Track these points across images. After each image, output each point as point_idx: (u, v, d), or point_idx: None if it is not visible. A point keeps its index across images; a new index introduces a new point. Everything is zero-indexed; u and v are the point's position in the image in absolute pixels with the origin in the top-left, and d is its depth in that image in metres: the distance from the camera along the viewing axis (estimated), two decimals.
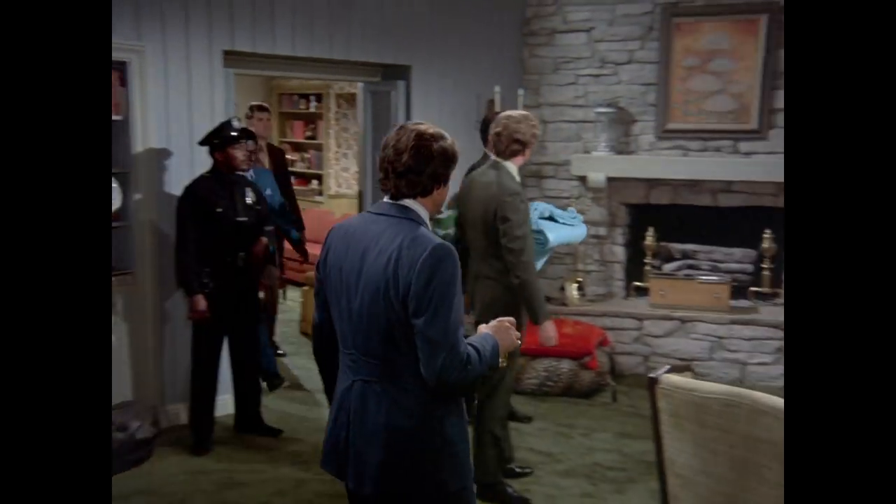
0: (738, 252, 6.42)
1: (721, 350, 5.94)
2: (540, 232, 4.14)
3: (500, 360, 2.33)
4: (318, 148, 9.94)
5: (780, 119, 6.01)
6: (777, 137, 6.03)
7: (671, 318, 6.02)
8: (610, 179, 6.23)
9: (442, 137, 2.26)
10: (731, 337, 5.91)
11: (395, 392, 2.22)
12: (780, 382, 5.84)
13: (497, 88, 6.06)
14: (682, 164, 6.15)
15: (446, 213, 5.93)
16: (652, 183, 6.30)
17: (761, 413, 2.27)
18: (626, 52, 6.27)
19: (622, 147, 6.34)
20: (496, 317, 2.46)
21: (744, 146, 6.13)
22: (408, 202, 2.25)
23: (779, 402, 2.27)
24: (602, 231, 6.44)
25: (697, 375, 2.90)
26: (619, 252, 6.50)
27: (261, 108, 6.18)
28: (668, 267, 6.46)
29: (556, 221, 4.35)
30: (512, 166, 3.90)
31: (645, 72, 6.24)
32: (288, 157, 10.64)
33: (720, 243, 6.43)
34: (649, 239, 6.34)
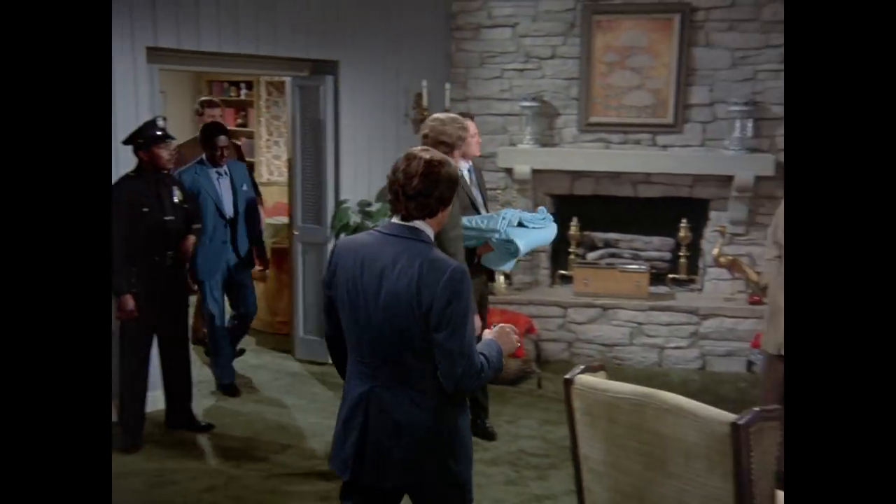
0: (656, 240, 6.68)
1: (641, 335, 6.19)
2: (510, 241, 4.23)
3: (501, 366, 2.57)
4: (250, 136, 9.87)
5: (694, 114, 6.28)
6: (691, 131, 6.30)
7: (594, 306, 6.25)
8: (535, 171, 6.40)
9: (448, 164, 2.47)
10: (650, 323, 6.18)
11: (412, 395, 2.46)
12: (695, 365, 6.14)
13: (424, 83, 6.16)
14: (604, 157, 6.36)
15: (376, 206, 6.04)
16: (575, 175, 6.50)
17: (666, 412, 2.45)
18: (549, 48, 6.43)
19: (546, 139, 6.51)
20: None
21: (661, 139, 6.37)
22: (417, 223, 2.46)
23: (683, 401, 2.46)
24: None
25: (610, 374, 3.07)
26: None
27: (211, 104, 6.22)
28: (591, 255, 6.68)
29: (525, 227, 4.41)
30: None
31: (567, 67, 6.41)
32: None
33: (640, 232, 6.69)
34: (573, 228, 6.54)
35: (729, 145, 6.17)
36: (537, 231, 4.48)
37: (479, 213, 4.50)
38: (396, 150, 6.26)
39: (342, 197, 5.94)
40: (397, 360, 2.44)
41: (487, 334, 2.60)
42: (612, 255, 6.68)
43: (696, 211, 6.48)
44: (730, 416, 2.34)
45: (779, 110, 6.15)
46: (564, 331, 6.28)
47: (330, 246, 5.78)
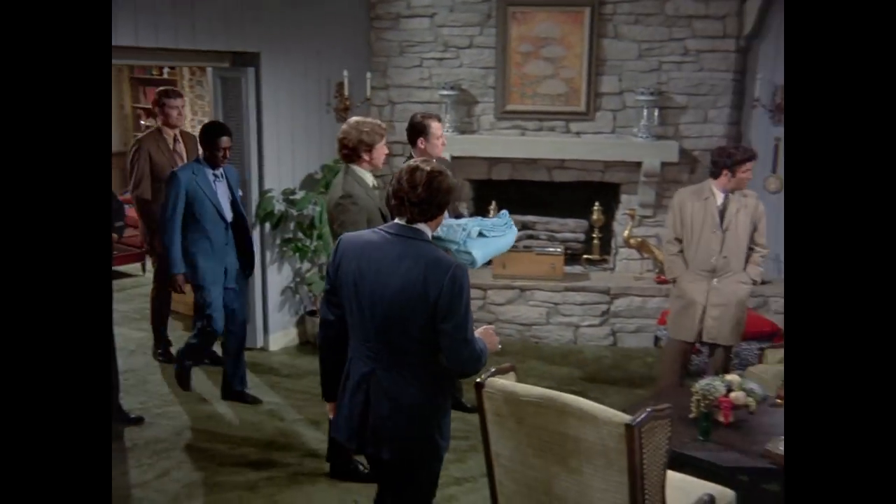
0: (571, 222, 7.01)
1: (557, 315, 6.53)
2: (469, 253, 4.36)
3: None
4: None
5: (605, 102, 6.57)
6: (602, 119, 6.60)
7: (512, 288, 6.54)
8: (454, 158, 6.61)
9: (446, 175, 2.80)
10: (565, 303, 6.51)
11: (408, 377, 2.77)
12: (607, 342, 6.51)
13: (345, 73, 6.29)
14: (520, 144, 6.61)
15: (300, 195, 6.17)
16: (493, 161, 6.74)
17: (568, 414, 2.73)
18: (466, 38, 6.61)
19: (465, 126, 6.72)
20: None
21: (574, 126, 6.66)
22: (420, 226, 2.78)
23: (583, 403, 2.74)
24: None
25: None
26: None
27: (172, 94, 5.75)
28: None
29: (486, 237, 4.51)
30: (360, 170, 4.16)
31: (484, 56, 6.61)
32: (142, 122, 10.43)
33: (556, 214, 7.00)
34: (492, 212, 6.79)
35: (637, 133, 6.49)
36: (496, 240, 4.58)
37: None
38: (319, 139, 6.42)
39: (266, 186, 6.05)
40: (397, 345, 2.74)
41: (477, 332, 2.90)
42: (530, 237, 6.98)
43: (608, 195, 6.81)
44: (624, 418, 2.64)
45: (682, 99, 6.51)
46: (485, 312, 6.56)
47: (255, 235, 5.92)
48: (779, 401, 4.23)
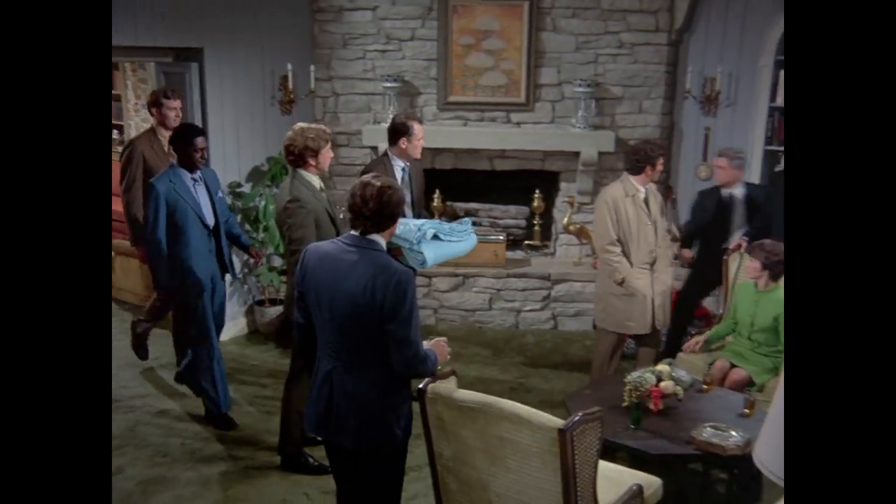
0: (513, 209, 7.23)
1: (499, 300, 6.76)
2: (420, 253, 4.48)
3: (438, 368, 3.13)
4: (117, 98, 9.69)
5: (544, 93, 6.77)
6: (542, 110, 6.80)
7: (456, 275, 6.75)
8: None
9: (396, 188, 3.05)
10: (507, 289, 6.75)
11: (367, 373, 3.02)
12: (548, 325, 6.78)
13: (289, 66, 6.36)
14: (463, 135, 6.78)
15: (247, 187, 6.26)
16: (436, 151, 6.89)
17: (505, 419, 2.95)
18: (408, 30, 6.72)
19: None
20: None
21: (515, 117, 6.84)
22: (373, 236, 3.04)
23: (519, 408, 2.96)
24: None
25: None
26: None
27: (171, 95, 5.46)
28: None
29: (440, 240, 4.62)
30: (307, 174, 4.28)
31: (427, 48, 6.73)
32: None
33: (498, 202, 7.21)
34: (436, 200, 6.97)
35: (576, 123, 6.70)
36: (452, 244, 4.67)
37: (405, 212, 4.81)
38: (264, 131, 6.50)
39: None
40: (354, 346, 3.00)
41: (428, 345, 3.13)
42: (473, 224, 7.14)
43: (548, 182, 7.04)
44: (557, 423, 2.86)
45: (617, 90, 6.74)
46: (430, 298, 6.76)
47: None
48: (705, 387, 4.54)
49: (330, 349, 3.07)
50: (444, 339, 3.26)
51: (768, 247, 4.79)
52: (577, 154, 6.72)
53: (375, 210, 2.99)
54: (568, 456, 2.83)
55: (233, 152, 6.28)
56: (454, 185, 7.07)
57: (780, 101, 6.26)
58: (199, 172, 4.75)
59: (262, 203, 6.23)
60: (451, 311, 6.75)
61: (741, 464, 3.85)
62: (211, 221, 4.80)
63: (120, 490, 4.29)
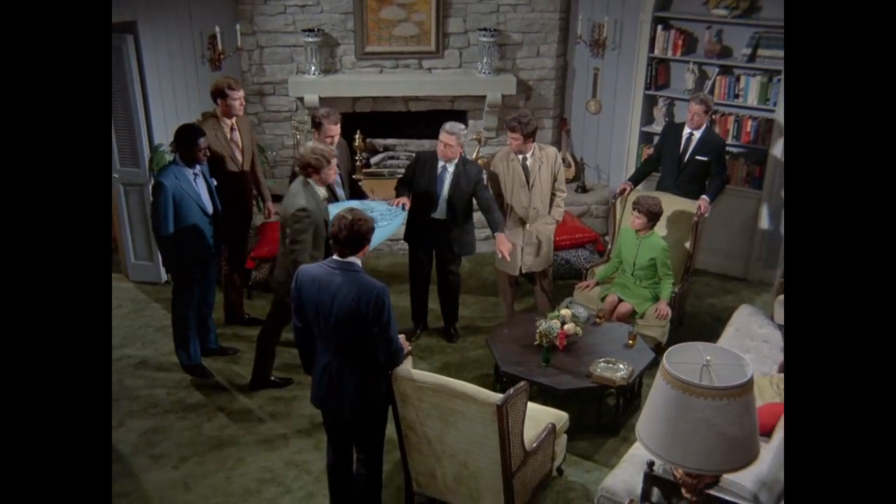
0: (426, 143, 7.99)
1: None
2: None
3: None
4: None
5: (452, 41, 7.50)
6: (450, 56, 7.53)
7: None
8: (322, 98, 7.37)
9: (365, 219, 3.87)
10: None
11: (357, 366, 3.94)
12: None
13: (217, 28, 6.82)
14: (380, 84, 7.45)
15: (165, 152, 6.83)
16: (356, 98, 7.55)
17: (455, 396, 3.96)
18: None
19: (329, 66, 7.45)
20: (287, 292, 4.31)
21: (426, 63, 7.54)
22: (350, 259, 3.86)
23: (467, 388, 3.95)
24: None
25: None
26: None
27: (235, 86, 5.73)
28: (374, 159, 7.92)
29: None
30: (315, 185, 4.97)
31: (343, 3, 7.27)
32: None
33: (412, 137, 7.97)
34: (357, 141, 7.68)
35: (481, 69, 7.46)
36: (383, 229, 5.36)
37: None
38: (197, 88, 7.01)
39: (156, 141, 6.67)
40: (345, 348, 3.91)
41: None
42: (391, 158, 7.96)
43: (458, 120, 7.78)
44: (495, 398, 3.88)
45: (517, 37, 7.51)
46: None
47: (150, 186, 6.63)
48: (598, 320, 5.68)
49: (325, 347, 3.98)
50: (402, 335, 4.15)
51: (649, 200, 5.84)
52: (483, 97, 7.52)
53: (349, 237, 3.82)
54: (504, 421, 3.88)
55: (171, 113, 6.79)
56: (372, 124, 7.78)
57: (657, 52, 7.18)
58: (198, 167, 5.37)
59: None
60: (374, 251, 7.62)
61: (625, 388, 5.05)
62: (210, 209, 5.46)
63: (126, 442, 5.11)
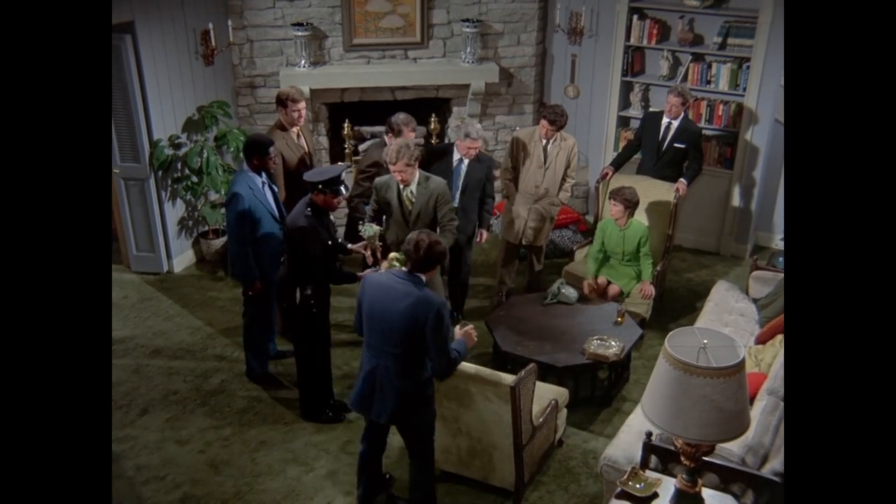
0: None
1: None
2: None
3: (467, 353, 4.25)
4: None
5: (436, 32, 7.76)
6: (435, 46, 7.81)
7: None
8: (312, 90, 7.62)
9: (439, 244, 4.08)
10: None
11: (404, 372, 4.10)
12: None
13: (210, 24, 7.03)
14: (367, 75, 7.72)
15: (184, 139, 7.05)
16: (344, 89, 7.81)
17: (471, 380, 4.33)
18: None
19: (318, 58, 7.69)
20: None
21: (412, 53, 7.82)
22: (419, 275, 4.06)
23: (483, 372, 4.33)
24: (309, 127, 7.92)
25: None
26: (324, 141, 8.08)
27: (297, 98, 5.94)
28: (362, 147, 8.20)
29: None
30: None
31: None
32: None
33: None
34: (346, 129, 7.96)
35: (464, 58, 7.76)
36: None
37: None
38: (192, 84, 7.24)
39: (156, 137, 6.90)
40: (399, 352, 4.05)
41: (458, 334, 4.28)
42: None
43: (442, 108, 8.14)
44: (508, 379, 4.27)
45: (499, 26, 7.81)
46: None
47: (151, 180, 6.90)
48: (589, 296, 6.10)
49: (373, 351, 4.15)
50: (471, 326, 4.35)
51: (626, 191, 6.22)
52: (467, 85, 7.83)
53: (422, 259, 4.04)
54: (516, 401, 4.28)
55: (168, 108, 7.01)
56: (361, 113, 8.05)
57: (633, 40, 7.56)
58: (265, 175, 5.53)
59: (206, 155, 7.08)
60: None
61: (617, 363, 5.48)
62: (279, 215, 5.58)
63: (154, 428, 5.43)
